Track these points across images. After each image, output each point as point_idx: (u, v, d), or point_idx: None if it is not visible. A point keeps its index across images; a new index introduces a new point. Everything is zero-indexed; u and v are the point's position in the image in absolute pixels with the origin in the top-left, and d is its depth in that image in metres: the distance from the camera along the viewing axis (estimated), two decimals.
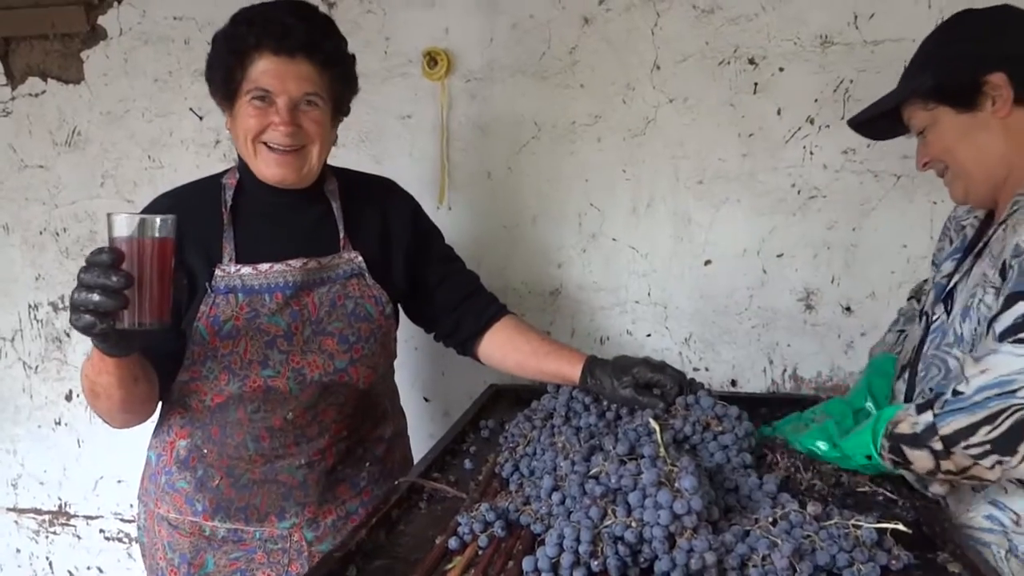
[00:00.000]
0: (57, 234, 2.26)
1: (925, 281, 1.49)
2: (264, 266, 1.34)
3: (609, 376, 1.35)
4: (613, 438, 1.18)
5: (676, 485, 1.00)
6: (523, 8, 1.89)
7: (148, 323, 1.05)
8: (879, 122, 1.30)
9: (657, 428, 1.17)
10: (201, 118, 2.10)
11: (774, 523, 1.00)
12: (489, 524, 1.10)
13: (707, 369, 1.91)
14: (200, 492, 1.39)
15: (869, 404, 1.37)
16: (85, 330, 1.01)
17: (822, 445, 1.22)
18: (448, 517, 1.18)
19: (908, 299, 1.56)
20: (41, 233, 2.27)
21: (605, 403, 1.37)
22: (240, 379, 1.34)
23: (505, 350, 1.50)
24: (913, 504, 1.14)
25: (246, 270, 1.34)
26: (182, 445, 1.40)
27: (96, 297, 0.99)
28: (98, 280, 0.99)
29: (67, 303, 1.13)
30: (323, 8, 1.94)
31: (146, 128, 2.15)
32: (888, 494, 1.18)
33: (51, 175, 2.23)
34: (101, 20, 2.13)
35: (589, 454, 1.18)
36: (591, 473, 1.11)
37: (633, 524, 0.99)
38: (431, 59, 1.93)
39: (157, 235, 1.05)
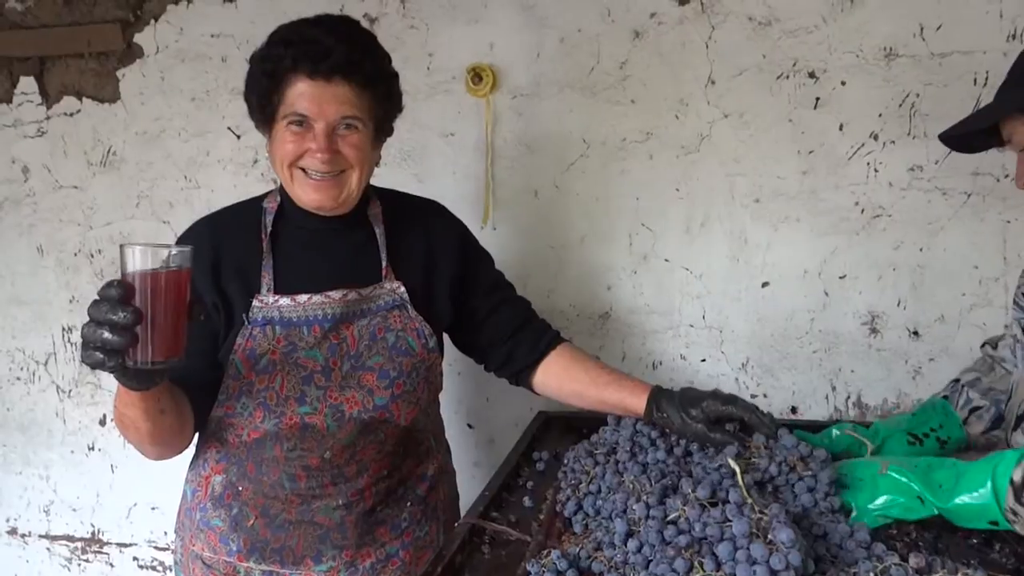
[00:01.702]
0: (91, 256, 2.22)
1: (1002, 336, 1.40)
2: (303, 297, 1.29)
3: (677, 409, 1.28)
4: (691, 480, 1.10)
5: (770, 537, 0.93)
6: (571, 22, 1.83)
7: (160, 360, 0.99)
8: (972, 136, 1.22)
9: (738, 470, 1.09)
10: (239, 137, 2.06)
11: None
12: (561, 573, 1.03)
13: (765, 395, 1.84)
14: (235, 531, 1.34)
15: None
16: (95, 367, 0.95)
17: (911, 503, 1.08)
18: (513, 563, 1.11)
19: (982, 346, 1.45)
20: (76, 255, 2.23)
21: (673, 437, 1.30)
22: (276, 416, 1.28)
23: (562, 380, 1.43)
24: (1014, 550, 1.06)
25: (284, 301, 1.28)
26: (217, 481, 1.35)
27: (105, 334, 0.93)
28: (106, 316, 0.93)
29: None
30: (364, 24, 1.90)
31: (182, 148, 2.11)
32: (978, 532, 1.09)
33: (86, 196, 2.20)
34: (137, 38, 2.10)
35: (663, 496, 1.11)
36: (669, 518, 1.04)
37: None
38: (475, 75, 1.87)
39: (171, 267, 0.99)
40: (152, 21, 2.08)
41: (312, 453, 1.30)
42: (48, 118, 2.19)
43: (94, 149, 2.17)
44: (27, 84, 2.18)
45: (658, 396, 1.31)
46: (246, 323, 1.27)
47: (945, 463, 1.09)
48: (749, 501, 0.99)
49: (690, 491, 1.06)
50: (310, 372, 1.28)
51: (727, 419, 1.25)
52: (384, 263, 1.36)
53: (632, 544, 1.03)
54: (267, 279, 1.29)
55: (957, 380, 1.37)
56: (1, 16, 2.17)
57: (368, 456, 1.33)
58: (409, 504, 1.41)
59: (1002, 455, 1.02)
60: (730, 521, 0.98)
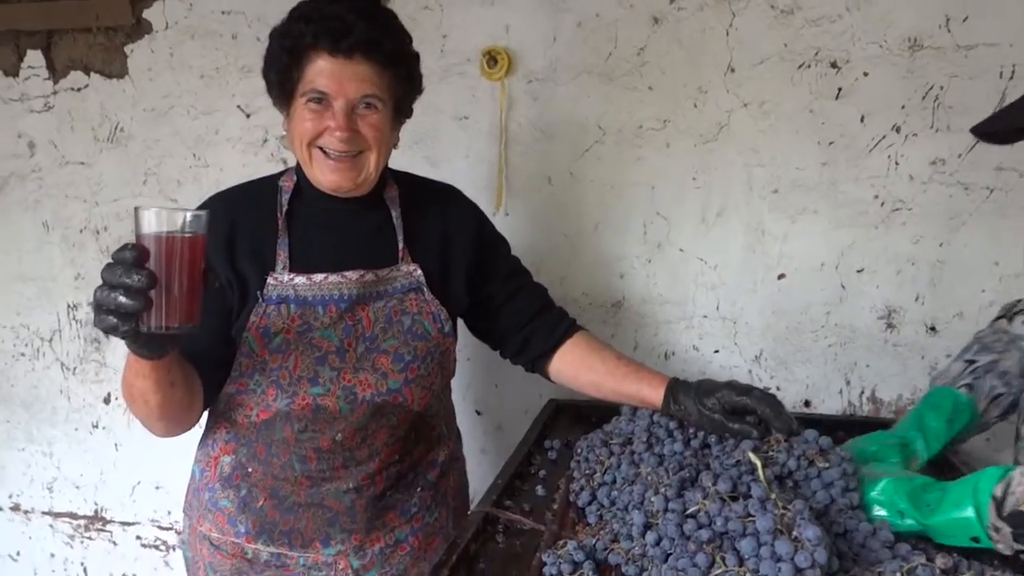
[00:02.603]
0: (98, 232, 2.20)
1: (1019, 300, 1.38)
2: (318, 277, 1.27)
3: (694, 400, 1.26)
4: (710, 473, 1.09)
5: (795, 533, 0.92)
6: (589, 6, 1.79)
7: (175, 326, 0.96)
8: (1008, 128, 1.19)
9: (759, 464, 1.08)
10: (248, 115, 2.03)
11: None
12: (578, 564, 1.02)
13: (779, 388, 1.82)
14: (243, 513, 1.32)
15: (920, 445, 1.26)
16: (109, 331, 0.93)
17: (893, 518, 1.06)
18: (528, 553, 1.10)
19: (995, 319, 1.43)
20: (81, 231, 2.21)
21: (691, 429, 1.28)
22: (288, 395, 1.26)
23: (578, 369, 1.41)
24: None
25: (299, 280, 1.26)
26: (226, 461, 1.34)
27: (120, 298, 0.90)
28: (120, 279, 0.90)
29: None
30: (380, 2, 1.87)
31: (191, 125, 2.08)
32: None
33: (92, 172, 2.17)
34: (146, 14, 2.06)
35: (681, 488, 1.09)
36: (689, 512, 1.03)
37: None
38: (490, 58, 1.84)
39: (187, 232, 0.96)
40: None
41: (323, 435, 1.28)
42: (55, 93, 2.16)
43: (101, 125, 2.14)
44: (34, 58, 2.15)
45: (675, 388, 1.30)
46: (260, 300, 1.25)
47: (938, 484, 1.07)
48: (772, 496, 0.98)
49: (710, 484, 1.05)
50: (324, 353, 1.26)
51: (743, 410, 1.23)
52: (401, 245, 1.34)
53: (650, 537, 1.02)
54: (282, 257, 1.27)
55: (972, 361, 1.34)
56: None
57: (380, 440, 1.32)
58: (419, 489, 1.40)
59: (983, 472, 1.00)
60: (753, 516, 0.96)
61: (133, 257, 0.91)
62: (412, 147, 1.92)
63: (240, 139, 2.05)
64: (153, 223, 0.94)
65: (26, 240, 2.25)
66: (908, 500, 1.05)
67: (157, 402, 1.12)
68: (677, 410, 1.28)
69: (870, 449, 1.23)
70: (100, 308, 0.93)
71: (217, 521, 1.35)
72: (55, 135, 2.18)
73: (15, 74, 2.17)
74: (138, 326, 0.94)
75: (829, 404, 1.81)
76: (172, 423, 1.20)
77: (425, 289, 1.34)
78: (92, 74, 2.12)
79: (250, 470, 1.32)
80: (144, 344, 0.99)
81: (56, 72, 2.15)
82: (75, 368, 2.29)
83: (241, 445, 1.32)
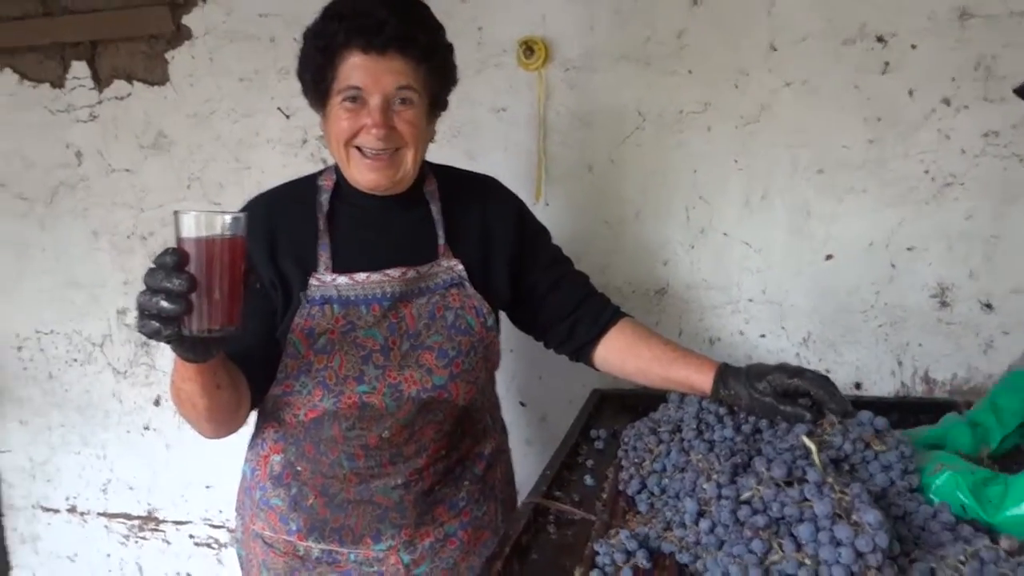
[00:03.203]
0: (144, 238, 2.24)
1: None
2: (361, 276, 1.27)
3: (744, 385, 1.23)
4: (763, 458, 1.07)
5: (854, 517, 0.89)
6: None
7: (217, 328, 0.96)
8: None
9: (813, 448, 1.05)
10: (288, 117, 2.05)
11: (964, 562, 0.88)
12: (631, 553, 1.01)
13: (828, 371, 1.77)
14: (294, 511, 1.33)
15: (992, 425, 1.21)
16: (152, 336, 0.94)
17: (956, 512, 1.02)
18: (580, 543, 1.09)
19: None
20: (129, 237, 2.25)
21: (741, 415, 1.26)
22: (335, 395, 1.26)
23: (624, 357, 1.39)
24: None
25: (342, 280, 1.26)
26: (276, 460, 1.35)
27: (162, 302, 0.91)
28: (161, 283, 0.91)
29: None
30: None
31: (232, 129, 2.10)
32: None
33: (138, 179, 2.21)
34: (186, 20, 2.09)
35: (733, 475, 1.07)
36: (743, 498, 1.01)
37: (807, 561, 0.88)
38: (527, 48, 1.83)
39: (226, 234, 0.96)
40: (200, 2, 2.07)
41: (370, 432, 1.28)
42: (100, 102, 2.20)
43: (145, 132, 2.18)
44: (79, 69, 2.19)
45: (724, 373, 1.27)
46: (304, 301, 1.25)
47: (1000, 478, 1.04)
48: (829, 480, 0.95)
49: (764, 470, 1.02)
50: (369, 351, 1.26)
51: (795, 392, 1.20)
52: (441, 240, 1.33)
53: (704, 524, 1.00)
54: (324, 257, 1.27)
55: None
56: (54, 2, 2.18)
57: (427, 436, 1.32)
58: (467, 483, 1.40)
59: None
60: (809, 501, 0.94)
61: (174, 261, 0.92)
62: (450, 140, 1.92)
63: (280, 140, 2.07)
64: (192, 227, 0.95)
65: (76, 247, 2.30)
66: (971, 495, 1.02)
67: (205, 405, 1.13)
68: (727, 395, 1.25)
69: (937, 432, 1.20)
70: (143, 313, 0.93)
71: (269, 519, 1.36)
72: (101, 144, 2.22)
73: (61, 85, 2.21)
74: (180, 330, 0.94)
75: (881, 386, 1.76)
76: (220, 425, 1.21)
77: (467, 284, 1.33)
78: (135, 82, 2.16)
79: (299, 468, 1.33)
80: (188, 348, 0.99)
81: (100, 82, 2.20)
82: (125, 372, 2.33)
83: (290, 444, 1.33)
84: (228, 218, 0.96)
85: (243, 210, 1.32)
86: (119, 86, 2.18)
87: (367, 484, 1.32)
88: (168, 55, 2.12)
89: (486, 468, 1.43)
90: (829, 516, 0.89)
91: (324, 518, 1.33)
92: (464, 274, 1.33)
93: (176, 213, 0.95)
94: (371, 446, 1.29)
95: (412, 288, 1.29)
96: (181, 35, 2.11)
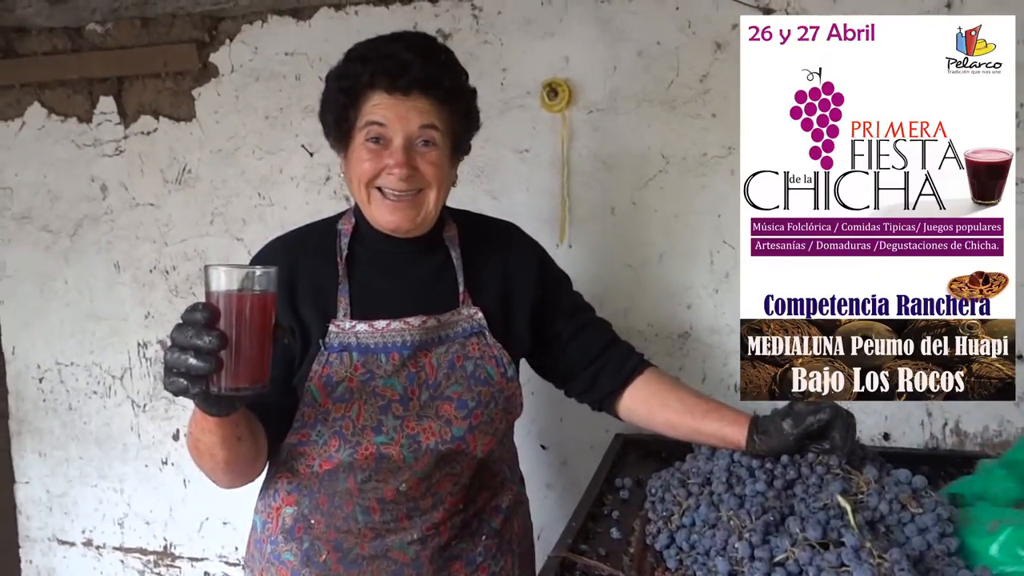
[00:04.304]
0: (167, 272, 2.25)
1: None
2: (381, 323, 1.25)
3: (775, 424, 1.21)
4: (797, 518, 1.05)
5: None
6: (649, 34, 1.78)
7: (245, 386, 0.95)
8: None
9: (849, 508, 1.03)
10: (312, 154, 2.06)
11: None
12: None
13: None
14: (306, 567, 1.29)
15: None
16: (179, 394, 0.92)
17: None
18: None
19: None
20: (151, 271, 2.26)
21: (772, 467, 1.23)
22: (351, 446, 1.23)
23: (652, 408, 1.36)
24: None
25: (362, 327, 1.24)
26: (288, 513, 1.30)
27: (191, 360, 0.90)
28: (191, 341, 0.90)
29: None
30: (438, 39, 1.89)
31: (256, 165, 2.12)
32: None
33: (162, 213, 2.22)
34: (213, 58, 2.12)
35: (766, 533, 1.05)
36: (776, 559, 0.99)
37: None
38: (551, 90, 1.84)
39: (257, 289, 0.95)
40: (227, 41, 2.10)
41: (387, 485, 1.25)
42: (126, 137, 2.22)
43: (170, 167, 2.20)
44: (106, 104, 2.22)
45: (757, 423, 1.24)
46: (323, 349, 1.23)
47: None
48: (867, 545, 0.93)
49: (798, 531, 1.01)
50: (388, 401, 1.24)
51: (819, 429, 1.18)
52: (461, 288, 1.32)
53: None
54: (343, 304, 1.26)
55: None
56: (82, 39, 2.21)
57: (444, 488, 1.28)
58: (484, 537, 1.35)
59: None
60: (847, 567, 0.92)
61: (204, 318, 0.90)
62: (473, 181, 1.92)
63: (304, 177, 2.08)
64: (223, 281, 0.94)
65: (98, 280, 2.31)
66: None
67: (224, 457, 1.11)
68: (762, 444, 1.22)
69: (977, 483, 1.17)
70: (170, 371, 0.92)
71: (280, 575, 1.31)
72: (126, 178, 2.24)
73: (88, 120, 2.24)
74: (208, 388, 0.93)
75: (910, 437, 1.73)
76: (238, 476, 1.20)
77: (487, 333, 1.31)
78: (161, 118, 2.19)
79: (312, 522, 1.29)
80: (214, 404, 0.98)
81: (127, 117, 2.22)
82: (145, 405, 2.33)
83: (303, 496, 1.29)
84: (259, 272, 0.95)
85: (261, 252, 1.32)
86: (145, 121, 2.20)
87: (382, 539, 1.28)
88: (195, 92, 2.15)
89: (504, 521, 1.39)
90: None
91: (337, 574, 1.28)
92: (484, 323, 1.31)
93: (206, 267, 0.94)
94: (387, 499, 1.26)
95: (432, 337, 1.27)
96: (208, 72, 2.13)
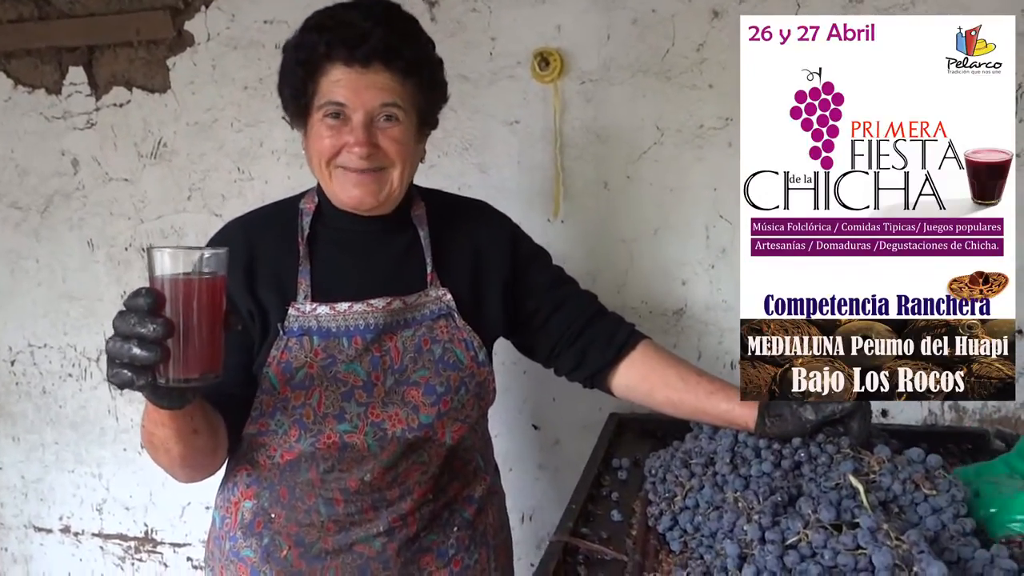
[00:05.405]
0: (143, 250, 2.17)
1: None
2: (343, 306, 1.19)
3: (791, 409, 1.17)
4: (809, 498, 1.01)
5: (916, 569, 0.84)
6: (644, 2, 1.72)
7: (195, 377, 0.89)
8: None
9: (861, 488, 1.00)
10: (293, 127, 1.98)
11: None
12: None
13: None
14: (267, 563, 1.23)
15: None
16: (123, 386, 0.86)
17: None
18: None
19: None
20: (126, 249, 2.18)
21: (779, 448, 1.19)
22: (313, 435, 1.17)
23: (652, 384, 1.31)
24: None
25: (323, 310, 1.19)
26: (247, 507, 1.25)
27: (134, 349, 0.83)
28: (134, 329, 0.83)
29: None
30: (423, 7, 1.82)
31: (235, 138, 2.04)
32: None
33: (136, 189, 2.14)
34: (187, 26, 2.03)
35: (775, 515, 1.02)
36: (789, 542, 0.95)
37: None
38: (542, 60, 1.78)
39: (206, 272, 0.89)
40: (203, 8, 2.01)
41: (351, 475, 1.19)
42: (97, 109, 2.13)
43: (144, 140, 2.11)
44: (76, 74, 2.13)
45: (769, 405, 1.19)
46: (281, 333, 1.17)
47: None
48: (884, 527, 0.90)
49: (810, 512, 0.97)
50: (350, 387, 1.18)
51: (841, 412, 1.15)
52: (429, 268, 1.26)
53: (748, 571, 0.94)
54: (304, 285, 1.19)
55: None
56: (49, 6, 2.11)
57: (412, 478, 1.23)
58: (456, 529, 1.30)
59: None
60: (863, 549, 0.89)
61: (148, 304, 0.84)
62: (461, 153, 1.86)
63: (285, 151, 2.01)
64: (168, 264, 0.87)
65: (71, 259, 2.23)
66: None
67: (180, 451, 1.06)
68: (773, 427, 1.18)
69: (993, 471, 1.15)
70: (113, 361, 0.85)
71: (240, 573, 1.25)
72: (98, 152, 2.15)
73: (57, 92, 2.15)
74: (155, 379, 0.87)
75: (908, 413, 1.71)
76: (196, 470, 1.14)
77: (456, 315, 1.26)
78: (134, 89, 2.10)
79: (273, 516, 1.23)
80: (163, 396, 0.92)
81: (98, 88, 2.13)
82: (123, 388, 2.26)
83: (263, 489, 1.23)
84: (207, 254, 0.89)
85: (219, 234, 1.25)
86: (117, 93, 2.11)
87: (346, 532, 1.22)
88: (169, 61, 2.06)
89: (477, 512, 1.34)
90: (888, 568, 0.84)
91: (299, 571, 1.22)
92: (453, 305, 1.26)
93: (150, 249, 0.88)
94: (351, 490, 1.20)
95: (397, 319, 1.22)
96: (182, 41, 2.05)
